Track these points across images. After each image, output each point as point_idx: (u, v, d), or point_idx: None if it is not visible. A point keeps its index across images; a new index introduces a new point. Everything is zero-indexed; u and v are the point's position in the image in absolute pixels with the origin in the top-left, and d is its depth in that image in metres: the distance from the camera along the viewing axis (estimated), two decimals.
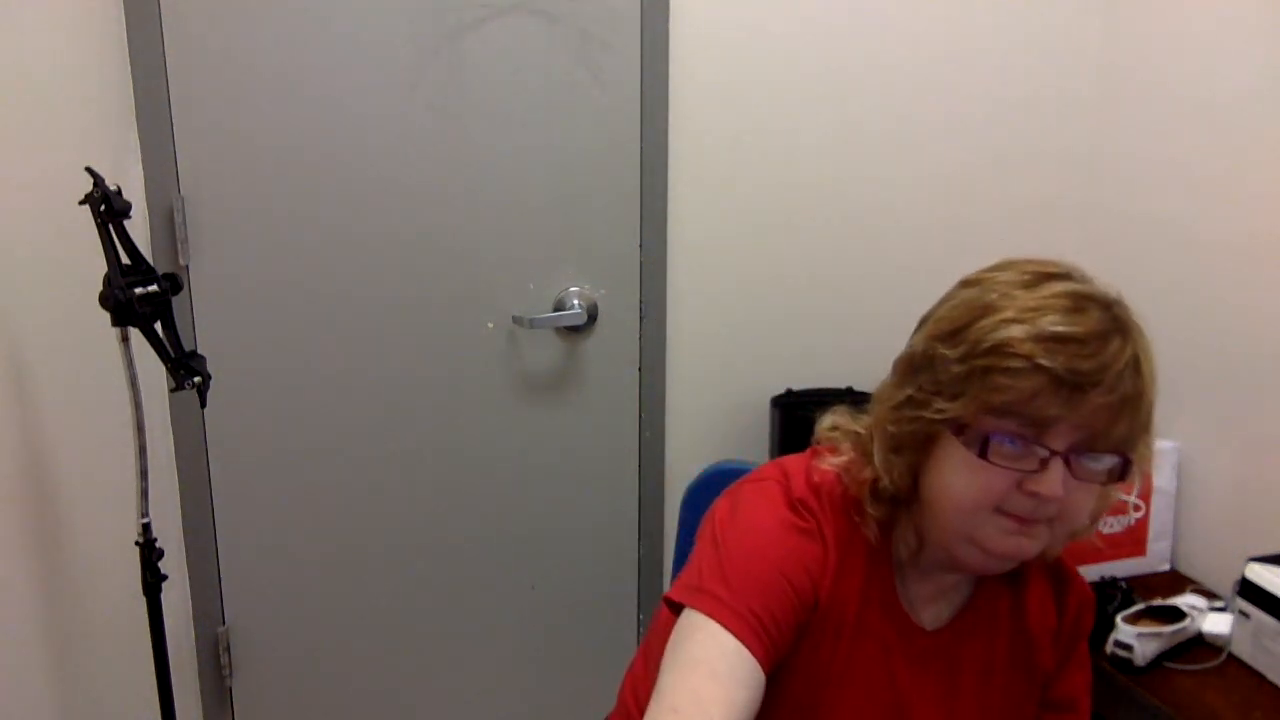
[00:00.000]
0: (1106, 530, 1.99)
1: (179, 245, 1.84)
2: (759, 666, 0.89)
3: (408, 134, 1.91)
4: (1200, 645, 1.78)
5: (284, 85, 1.84)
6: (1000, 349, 0.88)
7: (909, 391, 0.96)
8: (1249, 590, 1.70)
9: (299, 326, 1.94)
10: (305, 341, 1.95)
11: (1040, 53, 2.17)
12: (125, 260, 1.34)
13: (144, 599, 1.46)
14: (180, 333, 1.40)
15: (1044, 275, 0.93)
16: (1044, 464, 0.88)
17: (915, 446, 0.96)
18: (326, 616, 2.08)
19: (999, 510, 0.91)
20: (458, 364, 2.03)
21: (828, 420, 1.07)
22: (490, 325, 2.03)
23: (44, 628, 1.39)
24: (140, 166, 1.80)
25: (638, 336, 2.10)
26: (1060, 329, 0.87)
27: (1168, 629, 1.74)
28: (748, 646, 0.89)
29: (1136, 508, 2.00)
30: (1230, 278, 1.92)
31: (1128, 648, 1.70)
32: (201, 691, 2.05)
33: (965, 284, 0.97)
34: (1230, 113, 1.91)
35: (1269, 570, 1.68)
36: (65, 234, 1.39)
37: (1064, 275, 0.93)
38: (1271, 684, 1.67)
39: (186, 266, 1.86)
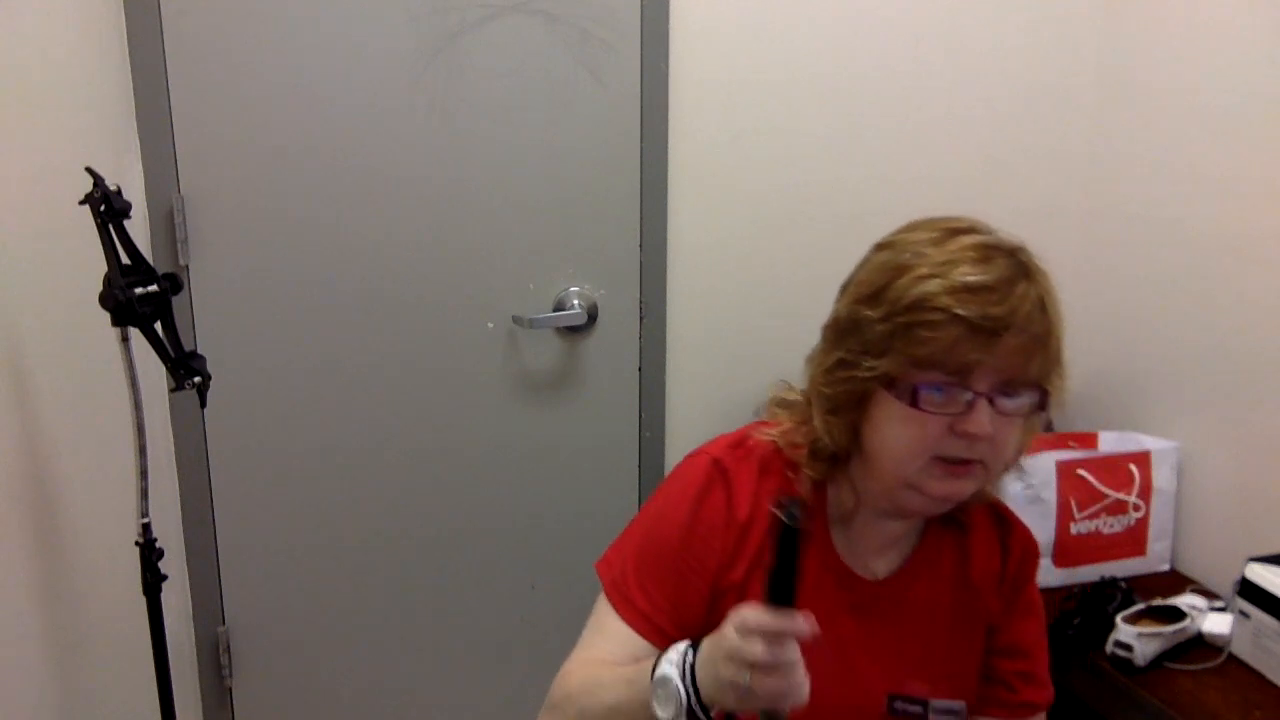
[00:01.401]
0: (1107, 530, 1.99)
1: (179, 245, 1.84)
2: (648, 643, 1.05)
3: (408, 134, 1.91)
4: (1200, 645, 1.77)
5: (284, 85, 1.84)
6: (919, 304, 0.95)
7: (839, 354, 1.02)
8: (1249, 590, 1.70)
9: (299, 326, 1.94)
10: (305, 341, 1.95)
11: (1041, 53, 2.17)
12: (125, 260, 1.34)
13: (144, 599, 1.46)
14: (180, 333, 1.40)
15: (951, 231, 1.00)
16: (970, 406, 0.95)
17: (851, 405, 1.02)
18: (326, 616, 2.08)
19: (936, 457, 0.98)
20: (458, 364, 2.03)
21: (770, 396, 1.15)
22: (490, 325, 2.03)
23: (44, 627, 1.39)
24: (140, 166, 1.80)
25: (638, 336, 2.10)
26: (971, 279, 0.94)
27: (1168, 629, 1.74)
28: (638, 632, 1.06)
29: (1136, 508, 2.00)
30: (1230, 278, 1.92)
31: (1128, 648, 1.69)
32: (201, 691, 2.05)
33: (879, 247, 1.05)
34: (1230, 113, 1.90)
35: (1269, 570, 1.68)
36: (65, 234, 1.39)
37: (969, 229, 1.00)
38: (1271, 684, 1.67)
39: (186, 266, 1.86)
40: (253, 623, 2.05)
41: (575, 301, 2.04)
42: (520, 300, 2.03)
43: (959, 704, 1.10)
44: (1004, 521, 1.16)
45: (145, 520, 1.43)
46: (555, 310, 2.05)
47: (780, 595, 0.86)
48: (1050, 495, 1.94)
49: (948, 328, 0.93)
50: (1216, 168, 1.94)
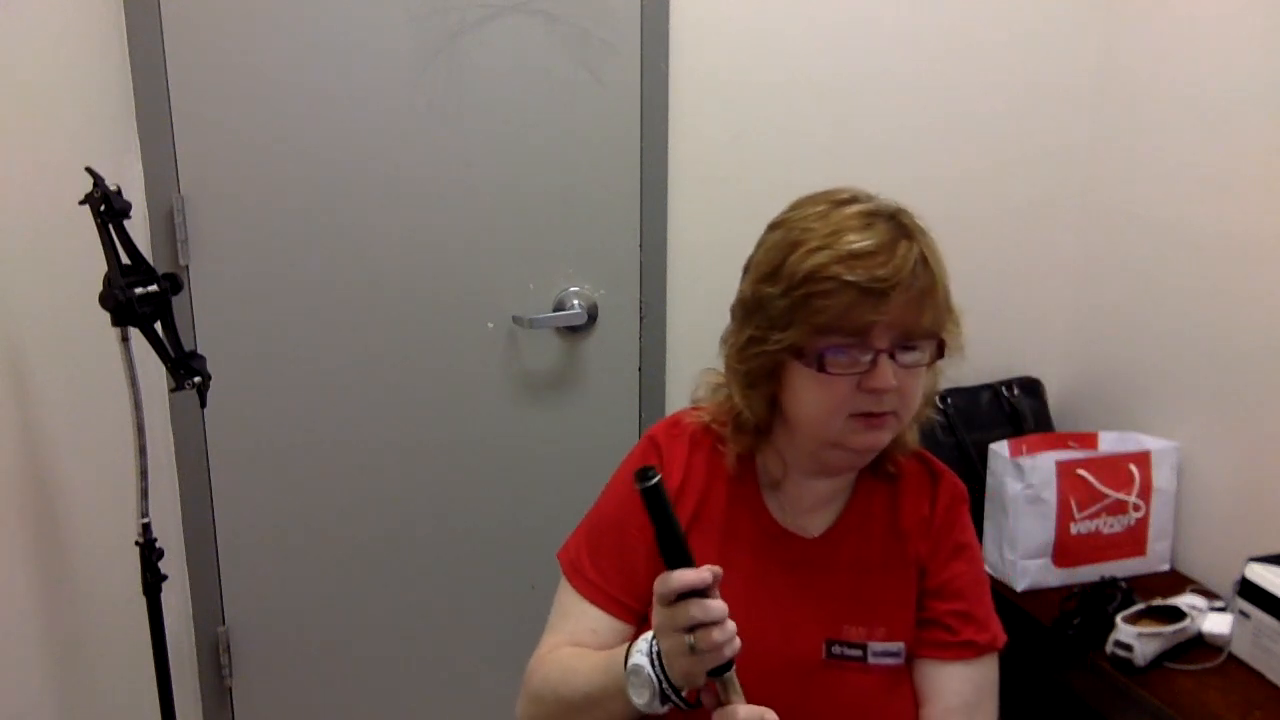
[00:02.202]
0: (1107, 530, 1.99)
1: (179, 245, 1.84)
2: (608, 614, 1.15)
3: (408, 134, 1.91)
4: (1200, 645, 1.78)
5: (284, 85, 1.84)
6: (812, 276, 1.03)
7: (749, 332, 1.10)
8: (1249, 590, 1.70)
9: (299, 326, 1.94)
10: (305, 342, 1.95)
11: (1040, 52, 2.17)
12: (125, 260, 1.34)
13: (144, 599, 1.46)
14: (180, 333, 1.40)
15: (835, 203, 1.07)
16: (874, 363, 1.03)
17: (765, 378, 1.10)
18: (326, 616, 2.08)
19: (851, 415, 1.06)
20: (458, 364, 2.03)
21: (699, 383, 1.24)
22: (490, 325, 2.03)
23: (44, 627, 1.39)
24: (140, 166, 1.80)
25: (638, 336, 2.10)
26: (856, 246, 1.02)
27: (1168, 629, 1.74)
28: (595, 604, 1.15)
29: (1136, 507, 2.00)
30: (1230, 278, 1.92)
31: (1128, 648, 1.70)
32: (201, 691, 2.05)
33: (772, 227, 1.12)
34: (1230, 112, 1.91)
35: (1269, 570, 1.68)
36: (65, 234, 1.39)
37: (851, 199, 1.07)
38: (1271, 684, 1.67)
39: (186, 266, 1.86)
40: (253, 623, 2.05)
41: (575, 301, 2.04)
42: (520, 300, 2.03)
43: (896, 645, 1.16)
44: (934, 472, 1.22)
45: (145, 520, 1.43)
46: (555, 310, 2.05)
47: (674, 554, 0.94)
48: (1050, 495, 1.94)
49: (841, 294, 1.01)
50: (1216, 167, 1.94)
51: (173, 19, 1.77)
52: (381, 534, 2.07)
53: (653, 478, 0.94)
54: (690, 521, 1.16)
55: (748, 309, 1.11)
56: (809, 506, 1.18)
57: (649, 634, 1.00)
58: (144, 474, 1.42)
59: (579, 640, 1.15)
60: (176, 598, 1.95)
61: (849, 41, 2.06)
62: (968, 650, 1.16)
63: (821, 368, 1.04)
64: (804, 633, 1.15)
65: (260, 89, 1.83)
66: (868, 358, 1.03)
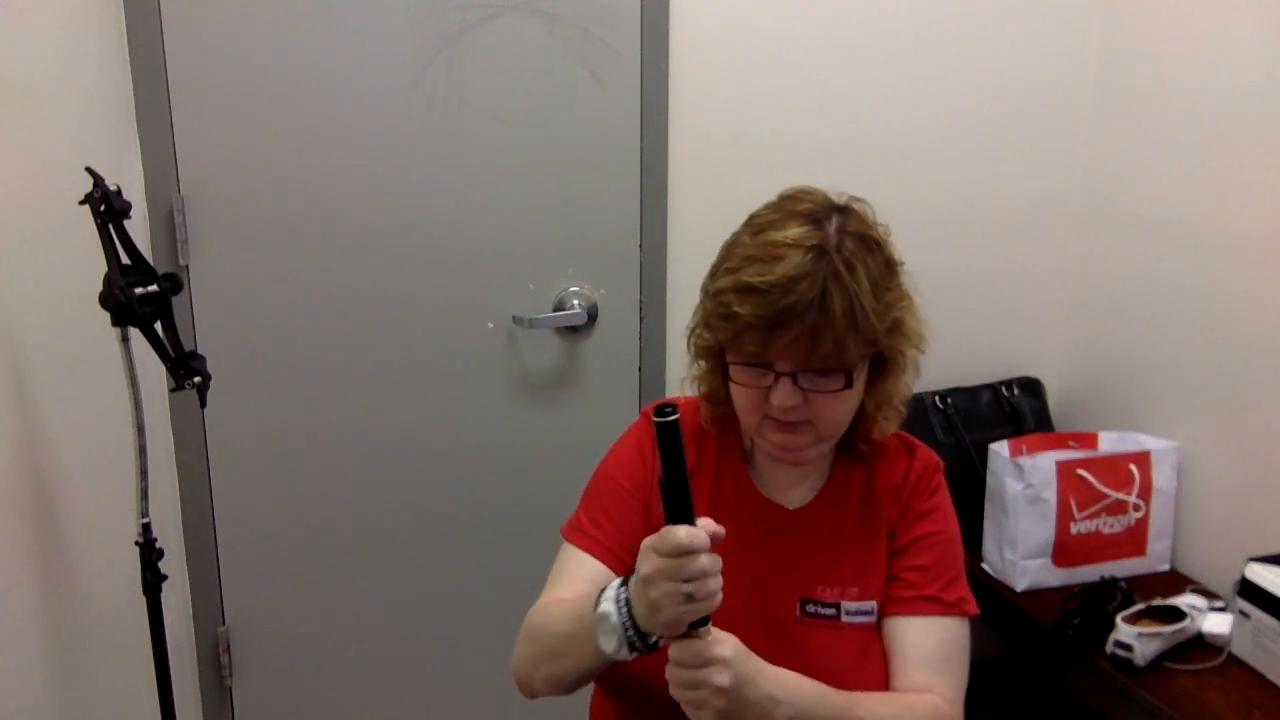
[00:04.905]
0: (1107, 530, 1.99)
1: (179, 245, 1.84)
2: (603, 564, 1.19)
3: (408, 133, 1.91)
4: (1200, 645, 1.78)
5: (284, 85, 1.84)
6: (715, 296, 1.10)
7: (700, 315, 1.17)
8: (1249, 590, 1.70)
9: (299, 326, 1.94)
10: (305, 341, 1.95)
11: (1040, 52, 2.17)
12: (125, 260, 1.34)
13: (144, 599, 1.46)
14: (180, 333, 1.40)
15: (782, 216, 1.11)
16: (776, 380, 1.08)
17: (711, 357, 1.18)
18: (326, 617, 2.08)
19: (767, 415, 1.11)
20: (458, 364, 2.03)
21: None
22: (490, 325, 2.03)
23: (44, 627, 1.39)
24: (140, 166, 1.80)
25: (638, 336, 2.10)
26: (753, 280, 1.06)
27: (1168, 629, 1.74)
28: (590, 553, 1.20)
29: (1136, 507, 2.00)
30: (1230, 277, 1.92)
31: (1128, 648, 1.70)
32: (201, 691, 2.05)
33: (746, 220, 1.17)
34: (1230, 112, 1.91)
35: (1269, 570, 1.68)
36: (65, 234, 1.39)
37: (797, 216, 1.10)
38: (1271, 684, 1.67)
39: (186, 266, 1.86)
40: (253, 623, 2.05)
41: (575, 301, 2.04)
42: (520, 300, 2.03)
43: (869, 604, 1.19)
44: (910, 446, 1.26)
45: (145, 520, 1.43)
46: (555, 310, 2.05)
47: (677, 496, 0.95)
48: (1050, 495, 1.94)
49: (732, 322, 1.07)
50: (1217, 167, 1.94)
51: (173, 19, 1.77)
52: (381, 534, 2.07)
53: (671, 414, 0.94)
54: None
55: (701, 293, 1.17)
56: (784, 483, 1.23)
57: (617, 582, 1.03)
58: (144, 474, 1.42)
59: (579, 592, 1.17)
60: (176, 598, 1.95)
61: (849, 42, 2.06)
62: (930, 605, 1.18)
63: (726, 376, 1.13)
64: (779, 593, 1.19)
65: (260, 89, 1.83)
66: (770, 376, 1.09)
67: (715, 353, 1.17)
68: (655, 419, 0.95)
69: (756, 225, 1.13)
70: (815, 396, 1.09)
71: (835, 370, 1.08)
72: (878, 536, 1.22)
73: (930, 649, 1.17)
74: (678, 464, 0.95)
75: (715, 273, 1.14)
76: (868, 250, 1.08)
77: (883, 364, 1.14)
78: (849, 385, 1.09)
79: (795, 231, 1.08)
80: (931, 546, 1.21)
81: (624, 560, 1.19)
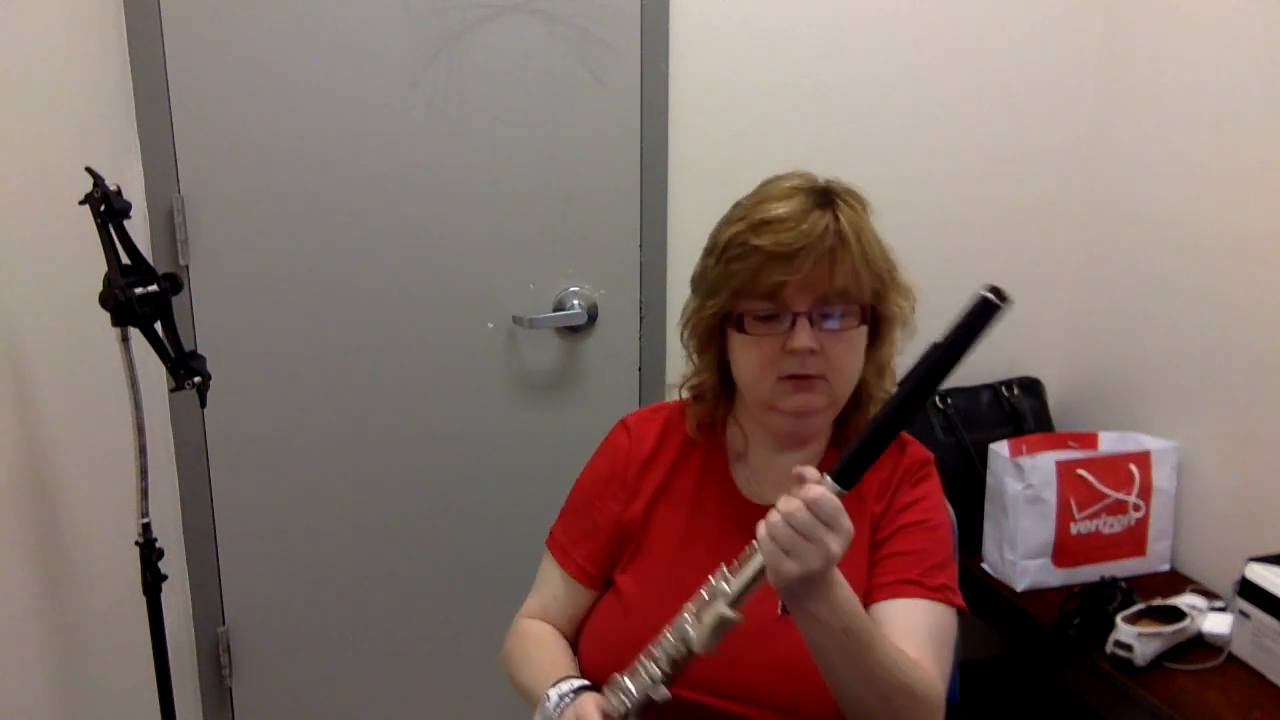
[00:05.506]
0: (1107, 530, 1.99)
1: (179, 245, 1.84)
2: (570, 578, 1.27)
3: (408, 133, 1.91)
4: (1200, 645, 1.78)
5: (284, 85, 1.84)
6: (730, 244, 1.13)
7: (696, 302, 1.20)
8: (1249, 590, 1.70)
9: (299, 326, 1.94)
10: (305, 341, 1.95)
11: (1040, 52, 2.17)
12: (125, 260, 1.34)
13: (144, 599, 1.46)
14: (180, 333, 1.40)
15: (767, 182, 1.17)
16: (793, 324, 1.11)
17: (709, 342, 1.20)
18: (326, 616, 2.08)
19: (781, 377, 1.13)
20: (458, 364, 2.03)
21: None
22: (490, 325, 2.03)
23: (44, 628, 1.39)
24: (140, 166, 1.80)
25: (638, 336, 2.10)
26: (767, 215, 1.11)
27: (1168, 629, 1.74)
28: (560, 564, 1.28)
29: (1136, 507, 2.00)
30: (1230, 277, 1.92)
31: (1128, 648, 1.70)
32: (201, 691, 2.05)
33: (732, 208, 1.20)
34: (1230, 112, 1.91)
35: (1269, 570, 1.68)
36: (65, 234, 1.39)
37: (791, 176, 1.16)
38: (1271, 684, 1.67)
39: (186, 266, 1.86)
40: (253, 623, 2.05)
41: (575, 301, 2.04)
42: (520, 300, 2.03)
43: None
44: (901, 442, 1.26)
45: (145, 520, 1.43)
46: (555, 310, 2.05)
47: (944, 357, 0.95)
48: (1050, 495, 1.94)
49: (751, 258, 1.10)
50: (1216, 167, 1.94)
51: (173, 19, 1.77)
52: (381, 534, 2.07)
53: (1000, 293, 0.95)
54: (657, 492, 1.25)
55: (695, 281, 1.21)
56: (774, 481, 1.22)
57: (562, 686, 1.10)
58: (144, 474, 1.42)
59: (545, 605, 1.28)
60: (176, 598, 1.95)
61: (849, 41, 2.06)
62: (910, 588, 1.16)
63: (743, 329, 1.13)
64: (759, 594, 1.17)
65: (260, 89, 1.83)
66: (787, 320, 1.11)
67: (716, 333, 1.18)
68: (982, 292, 0.95)
69: (756, 191, 1.17)
70: (831, 343, 1.11)
71: (850, 307, 1.11)
72: (861, 530, 1.19)
73: (916, 627, 1.14)
74: (966, 341, 0.96)
75: (713, 243, 1.17)
76: (860, 203, 1.15)
77: (878, 327, 1.18)
78: (864, 322, 1.13)
79: (794, 182, 1.15)
80: (914, 534, 1.20)
81: (589, 572, 1.26)
